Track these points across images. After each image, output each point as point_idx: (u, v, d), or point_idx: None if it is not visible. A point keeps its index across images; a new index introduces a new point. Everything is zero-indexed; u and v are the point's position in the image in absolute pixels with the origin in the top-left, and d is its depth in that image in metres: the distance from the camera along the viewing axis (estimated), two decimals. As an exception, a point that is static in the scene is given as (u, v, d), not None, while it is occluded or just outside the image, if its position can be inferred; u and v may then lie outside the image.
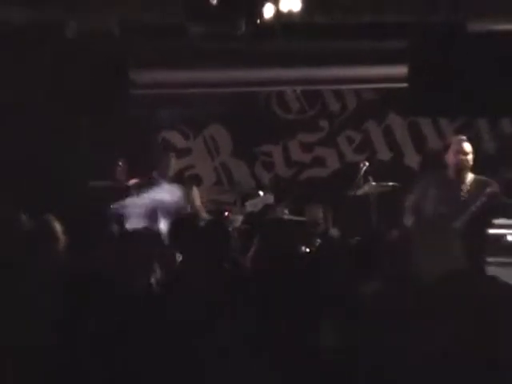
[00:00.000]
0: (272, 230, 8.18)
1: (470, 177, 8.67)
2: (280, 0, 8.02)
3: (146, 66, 9.77)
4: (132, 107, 9.65)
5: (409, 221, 8.59)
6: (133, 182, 9.32)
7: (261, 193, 10.38)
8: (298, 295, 4.60)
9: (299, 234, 9.24)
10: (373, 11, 8.62)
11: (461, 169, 8.58)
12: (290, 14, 8.09)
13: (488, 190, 8.62)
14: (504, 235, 8.76)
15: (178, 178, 10.00)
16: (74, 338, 4.00)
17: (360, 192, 10.00)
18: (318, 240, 9.48)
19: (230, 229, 9.02)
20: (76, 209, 8.84)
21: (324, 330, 4.13)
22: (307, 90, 11.46)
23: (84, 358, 3.86)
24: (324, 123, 11.68)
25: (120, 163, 9.19)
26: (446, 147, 9.01)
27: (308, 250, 9.05)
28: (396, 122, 11.59)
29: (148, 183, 9.33)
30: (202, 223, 7.90)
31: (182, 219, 7.37)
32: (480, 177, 8.66)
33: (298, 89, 11.44)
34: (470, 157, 8.64)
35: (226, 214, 9.79)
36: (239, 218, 9.81)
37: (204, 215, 9.38)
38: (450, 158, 8.66)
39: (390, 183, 10.01)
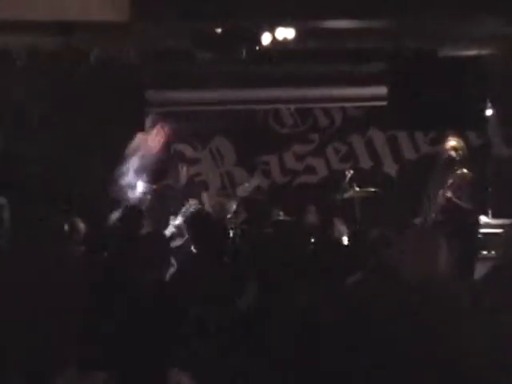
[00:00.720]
0: (269, 230, 8.25)
1: None
2: (276, 29, 8.05)
3: (160, 87, 9.83)
4: (148, 123, 9.73)
5: None
6: (150, 187, 9.37)
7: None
8: (295, 285, 4.66)
9: (292, 232, 9.28)
10: (356, 39, 8.66)
11: None
12: (284, 41, 8.12)
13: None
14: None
15: (189, 184, 10.05)
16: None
17: (345, 196, 10.08)
18: (311, 239, 9.52)
19: (232, 228, 9.12)
20: (99, 211, 8.88)
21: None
22: (300, 108, 11.47)
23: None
24: (314, 136, 11.71)
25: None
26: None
27: (301, 247, 9.10)
28: (376, 135, 11.61)
29: (163, 188, 9.38)
30: (209, 222, 7.95)
31: (193, 219, 7.40)
32: None
33: (292, 107, 11.47)
34: None
35: None
36: (233, 205, 9.79)
37: (211, 215, 9.42)
38: None
39: (372, 188, 10.10)
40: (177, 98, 10.52)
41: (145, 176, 9.48)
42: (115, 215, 8.39)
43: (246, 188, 10.02)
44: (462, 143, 9.20)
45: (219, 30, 7.91)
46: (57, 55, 8.09)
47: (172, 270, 6.39)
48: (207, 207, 9.62)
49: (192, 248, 6.83)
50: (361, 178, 10.30)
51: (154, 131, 10.06)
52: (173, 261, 6.97)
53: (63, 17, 6.79)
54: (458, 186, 8.82)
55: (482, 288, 5.14)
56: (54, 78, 8.32)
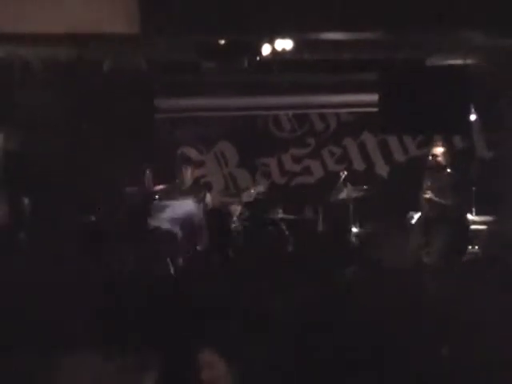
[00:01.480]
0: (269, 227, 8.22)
1: None
2: (275, 41, 8.01)
3: (168, 95, 9.78)
4: (156, 128, 9.67)
5: None
6: (158, 188, 9.32)
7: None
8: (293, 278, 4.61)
9: (291, 229, 9.25)
10: (350, 50, 8.62)
11: None
12: (283, 52, 8.09)
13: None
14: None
15: (194, 185, 10.00)
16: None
17: (340, 195, 10.03)
18: (307, 234, 9.48)
19: (234, 225, 9.07)
20: (113, 210, 8.84)
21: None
22: (297, 114, 11.42)
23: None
24: (311, 140, 11.64)
25: (148, 173, 9.19)
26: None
27: (298, 242, 9.06)
28: (369, 139, 11.54)
29: (171, 189, 9.33)
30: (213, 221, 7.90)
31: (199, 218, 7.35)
32: None
33: (290, 112, 11.43)
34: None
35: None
36: (238, 209, 9.76)
37: (215, 214, 9.36)
38: None
39: (364, 188, 10.06)
40: (184, 105, 10.49)
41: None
42: (125, 213, 8.36)
43: (251, 194, 10.00)
44: (446, 149, 9.22)
45: (223, 42, 7.88)
46: (71, 66, 8.05)
47: (178, 264, 6.33)
48: (212, 206, 9.54)
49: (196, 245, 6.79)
50: (354, 179, 10.26)
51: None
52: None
53: (77, 30, 6.72)
54: (439, 187, 8.89)
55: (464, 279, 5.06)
56: (68, 87, 8.27)
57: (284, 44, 8.00)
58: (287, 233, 9.16)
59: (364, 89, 9.86)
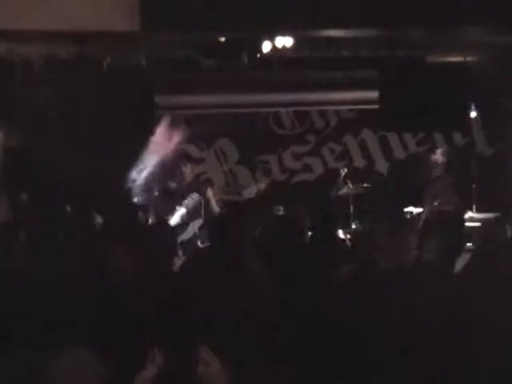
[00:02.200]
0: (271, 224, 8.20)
1: None
2: (275, 38, 8.01)
3: (168, 92, 9.78)
4: (157, 125, 9.69)
5: None
6: (158, 185, 9.34)
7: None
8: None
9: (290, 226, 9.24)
10: (350, 47, 8.63)
11: None
12: (283, 49, 8.09)
13: None
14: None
15: (195, 181, 10.03)
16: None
17: (340, 192, 10.05)
18: (308, 232, 9.48)
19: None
20: (115, 205, 8.86)
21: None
22: (297, 111, 11.42)
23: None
24: (311, 137, 11.66)
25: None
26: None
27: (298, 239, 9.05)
28: (369, 136, 11.57)
29: (171, 185, 9.35)
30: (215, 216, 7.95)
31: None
32: None
33: (290, 110, 11.44)
34: None
35: None
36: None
37: (216, 209, 9.40)
38: None
39: (364, 185, 10.07)
40: (184, 102, 10.47)
41: (154, 174, 9.45)
42: (125, 209, 8.37)
43: (252, 191, 10.02)
44: (445, 149, 9.25)
45: (223, 40, 7.88)
46: (71, 63, 8.07)
47: (180, 261, 6.34)
48: (212, 203, 9.57)
49: (199, 243, 6.80)
50: (355, 176, 10.27)
51: (166, 134, 9.98)
52: (180, 253, 6.93)
53: (77, 27, 6.74)
54: (438, 188, 8.93)
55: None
56: (68, 84, 8.29)
57: (284, 41, 8.00)
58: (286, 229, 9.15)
59: (364, 86, 9.86)
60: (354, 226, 9.73)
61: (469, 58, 9.02)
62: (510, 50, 8.46)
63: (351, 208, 9.93)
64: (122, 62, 8.64)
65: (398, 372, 3.40)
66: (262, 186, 10.21)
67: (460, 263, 5.58)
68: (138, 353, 3.10)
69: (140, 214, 7.94)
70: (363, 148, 11.59)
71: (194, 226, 9.23)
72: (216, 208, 9.50)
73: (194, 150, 11.46)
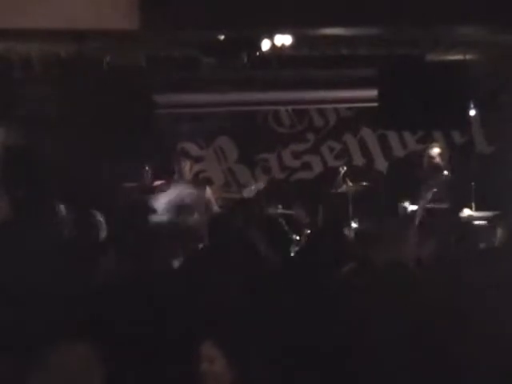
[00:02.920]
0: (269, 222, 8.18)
1: None
2: (275, 36, 8.00)
3: (168, 91, 9.77)
4: (156, 123, 9.66)
5: None
6: (157, 183, 9.32)
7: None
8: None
9: (290, 224, 9.24)
10: (349, 45, 8.62)
11: None
12: (283, 47, 8.07)
13: None
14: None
15: (194, 180, 10.01)
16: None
17: (339, 191, 10.04)
18: (307, 230, 9.49)
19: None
20: (114, 204, 8.87)
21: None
22: (297, 109, 11.43)
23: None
24: (310, 135, 11.65)
25: (147, 168, 9.20)
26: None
27: (298, 237, 9.07)
28: (368, 135, 11.56)
29: (170, 184, 9.33)
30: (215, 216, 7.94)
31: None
32: None
33: (290, 108, 11.43)
34: None
35: None
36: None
37: (216, 209, 9.39)
38: None
39: (364, 183, 10.06)
40: (183, 100, 10.48)
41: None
42: (126, 208, 8.37)
43: (251, 190, 10.02)
44: (443, 150, 9.25)
45: (222, 38, 7.87)
46: (70, 61, 8.05)
47: (180, 260, 6.34)
48: (212, 201, 9.55)
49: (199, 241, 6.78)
50: (354, 174, 10.26)
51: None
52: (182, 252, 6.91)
53: (76, 26, 6.72)
54: (437, 189, 8.92)
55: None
56: (67, 83, 8.27)
57: (283, 39, 7.99)
58: (286, 228, 9.15)
59: (363, 84, 9.84)
60: (353, 225, 9.72)
61: (468, 57, 8.99)
62: (510, 49, 8.45)
63: (350, 206, 9.92)
64: (122, 60, 8.61)
65: (397, 372, 3.39)
66: (262, 185, 10.20)
67: (458, 261, 5.58)
68: (137, 353, 3.09)
69: (140, 213, 7.95)
70: (362, 146, 11.59)
71: (195, 224, 9.21)
72: (216, 207, 9.49)
73: (193, 148, 11.46)
